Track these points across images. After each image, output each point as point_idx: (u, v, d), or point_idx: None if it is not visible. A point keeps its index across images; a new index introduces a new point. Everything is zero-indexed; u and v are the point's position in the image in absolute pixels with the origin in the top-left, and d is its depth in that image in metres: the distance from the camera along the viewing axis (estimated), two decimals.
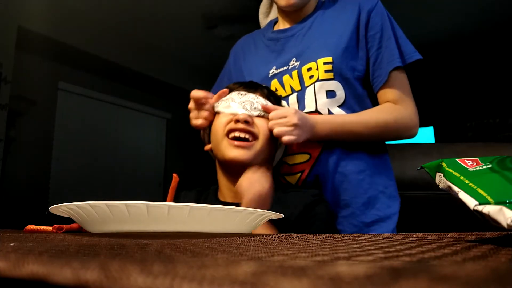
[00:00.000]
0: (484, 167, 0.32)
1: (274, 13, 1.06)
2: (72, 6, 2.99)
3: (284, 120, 0.75)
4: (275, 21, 1.02)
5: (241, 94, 0.80)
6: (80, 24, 3.10)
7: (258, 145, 0.77)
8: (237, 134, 0.76)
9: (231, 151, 0.76)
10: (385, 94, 0.84)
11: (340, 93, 0.83)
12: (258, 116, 0.78)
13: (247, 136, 0.76)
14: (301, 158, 0.85)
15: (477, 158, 0.34)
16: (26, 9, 2.71)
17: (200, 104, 0.81)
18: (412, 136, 0.85)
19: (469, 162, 0.34)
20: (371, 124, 0.81)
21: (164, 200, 0.57)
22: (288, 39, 0.91)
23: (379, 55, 0.84)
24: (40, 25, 2.81)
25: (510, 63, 3.71)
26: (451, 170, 0.33)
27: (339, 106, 0.84)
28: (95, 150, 3.56)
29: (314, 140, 0.82)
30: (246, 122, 0.76)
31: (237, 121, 0.76)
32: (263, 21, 1.08)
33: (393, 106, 0.83)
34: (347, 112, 0.84)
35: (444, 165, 0.34)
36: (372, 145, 0.87)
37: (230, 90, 0.83)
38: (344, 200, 0.83)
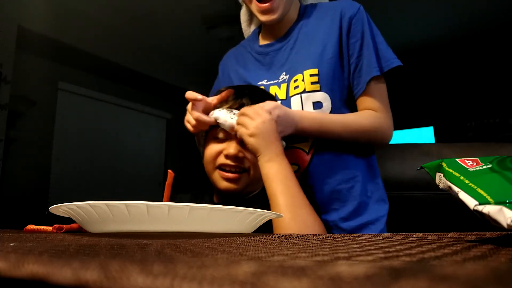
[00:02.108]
0: (484, 167, 0.32)
1: (257, 20, 1.04)
2: (72, 6, 2.99)
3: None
4: (259, 31, 1.01)
5: (234, 114, 0.77)
6: (80, 24, 3.10)
7: (249, 176, 0.78)
8: (227, 168, 0.77)
9: (222, 183, 0.78)
10: (365, 102, 0.85)
11: (327, 104, 0.84)
12: None
13: (237, 170, 0.77)
14: None
15: (477, 158, 0.34)
16: (26, 9, 2.71)
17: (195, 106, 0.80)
18: (386, 143, 0.87)
19: (469, 162, 0.34)
20: (352, 127, 0.81)
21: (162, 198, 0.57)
22: (277, 52, 0.92)
23: (359, 63, 0.84)
24: (40, 25, 2.81)
25: (510, 63, 3.71)
26: (451, 170, 0.33)
27: None
28: (95, 150, 3.56)
29: (298, 134, 0.81)
30: (235, 157, 0.76)
31: (226, 155, 0.77)
32: (247, 30, 1.06)
33: (374, 114, 0.84)
34: None
35: (444, 165, 0.34)
36: (359, 149, 0.87)
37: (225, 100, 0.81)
38: (333, 209, 0.85)
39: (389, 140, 0.86)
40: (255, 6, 0.85)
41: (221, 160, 0.77)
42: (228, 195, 0.80)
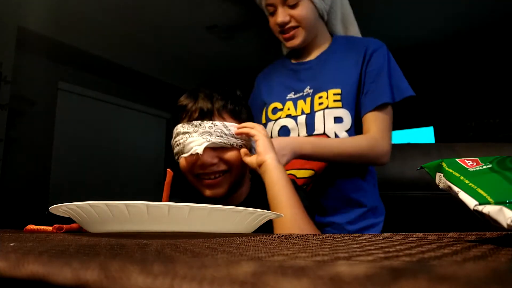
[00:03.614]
0: (484, 167, 0.32)
1: None
2: (72, 6, 2.99)
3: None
4: (290, 51, 1.11)
5: (196, 126, 0.74)
6: (80, 24, 3.10)
7: (231, 176, 0.77)
8: (206, 176, 0.76)
9: (206, 191, 0.77)
10: (366, 122, 0.92)
11: (348, 119, 0.93)
12: (226, 147, 0.75)
13: (216, 175, 0.76)
14: (307, 173, 0.95)
15: (477, 158, 0.34)
16: (26, 9, 2.71)
17: None
18: (381, 165, 0.94)
19: (469, 162, 0.34)
20: (347, 151, 0.87)
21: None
22: (306, 71, 1.03)
23: (371, 88, 0.93)
24: (40, 25, 2.81)
25: (510, 63, 3.71)
26: (451, 170, 0.33)
27: (346, 131, 0.93)
28: (95, 150, 3.55)
29: (298, 158, 0.86)
30: (211, 165, 0.74)
31: (201, 165, 0.74)
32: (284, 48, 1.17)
33: (370, 136, 0.90)
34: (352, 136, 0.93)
35: (444, 165, 0.34)
36: None
37: (182, 110, 0.78)
38: (341, 212, 0.94)
39: (385, 163, 0.92)
40: (279, 36, 0.99)
41: (198, 170, 0.76)
42: (217, 202, 0.78)
